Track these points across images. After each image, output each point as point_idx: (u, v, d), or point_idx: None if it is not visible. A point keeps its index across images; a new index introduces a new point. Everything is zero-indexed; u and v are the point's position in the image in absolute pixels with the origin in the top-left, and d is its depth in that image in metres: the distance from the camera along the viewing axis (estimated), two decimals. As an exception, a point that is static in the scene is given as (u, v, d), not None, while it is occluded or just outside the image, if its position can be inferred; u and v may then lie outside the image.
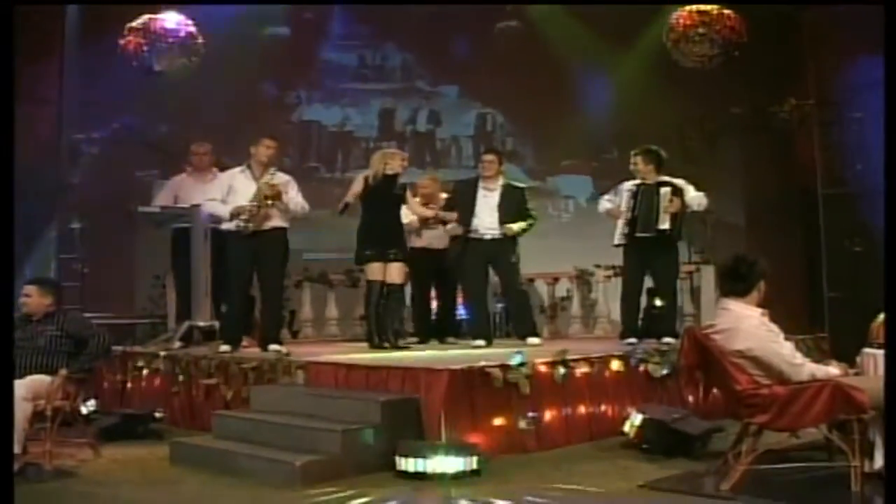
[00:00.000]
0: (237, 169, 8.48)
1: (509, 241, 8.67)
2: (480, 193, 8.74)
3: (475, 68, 13.61)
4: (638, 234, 8.23)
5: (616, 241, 8.48)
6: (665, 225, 8.21)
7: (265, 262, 8.37)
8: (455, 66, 13.87)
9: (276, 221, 8.35)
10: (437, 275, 9.42)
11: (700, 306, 9.78)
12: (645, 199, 8.23)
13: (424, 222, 9.07)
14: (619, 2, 12.00)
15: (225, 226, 8.39)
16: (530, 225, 8.78)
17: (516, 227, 8.61)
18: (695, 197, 8.39)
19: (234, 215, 8.19)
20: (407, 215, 8.66)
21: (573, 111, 12.72)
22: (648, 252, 8.35)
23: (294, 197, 8.44)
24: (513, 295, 9.02)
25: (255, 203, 8.17)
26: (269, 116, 12.91)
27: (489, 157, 8.95)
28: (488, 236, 8.64)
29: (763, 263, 5.38)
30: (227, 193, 8.32)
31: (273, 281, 8.51)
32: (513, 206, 8.69)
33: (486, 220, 8.65)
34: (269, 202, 8.22)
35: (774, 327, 5.20)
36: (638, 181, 8.37)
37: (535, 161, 13.97)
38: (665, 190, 8.22)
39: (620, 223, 8.40)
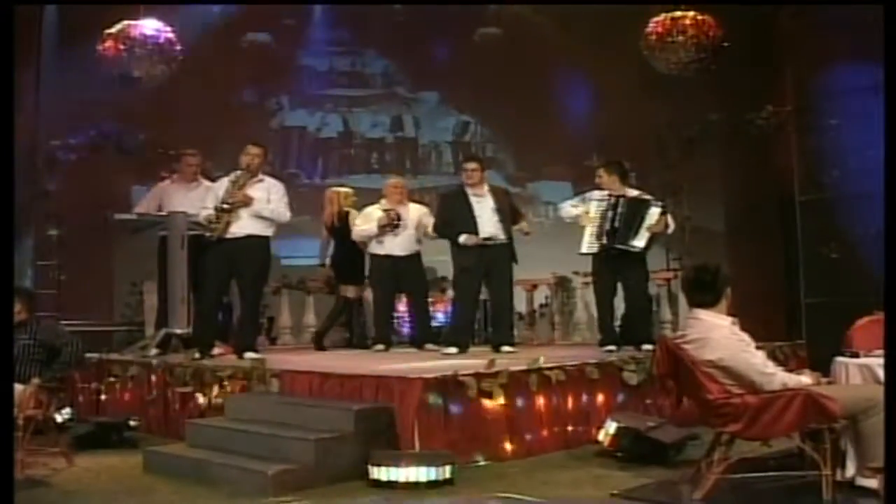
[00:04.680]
0: (231, 176, 8.40)
1: (507, 247, 8.50)
2: (473, 200, 8.53)
3: (455, 74, 13.61)
4: (616, 246, 8.18)
5: (585, 250, 8.40)
6: (641, 242, 8.21)
7: (243, 269, 8.31)
8: (435, 72, 13.86)
9: (254, 228, 8.27)
10: (403, 283, 9.36)
11: (678, 313, 9.81)
12: (627, 213, 8.18)
13: (381, 228, 9.09)
14: (600, 1, 12.02)
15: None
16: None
17: (525, 224, 8.64)
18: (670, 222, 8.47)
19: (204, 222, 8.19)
20: (365, 222, 9.19)
21: (553, 117, 12.74)
22: (619, 261, 8.30)
23: (274, 202, 8.36)
24: (500, 302, 8.74)
25: (219, 209, 8.15)
26: (249, 123, 12.86)
27: (472, 165, 8.71)
28: (491, 241, 8.44)
29: (725, 269, 5.38)
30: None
31: (250, 289, 8.45)
32: (506, 207, 8.59)
33: (489, 225, 8.46)
34: (229, 208, 8.17)
35: (745, 336, 5.19)
36: (613, 192, 8.31)
37: (515, 167, 13.99)
38: (655, 210, 8.23)
39: (589, 231, 8.31)
